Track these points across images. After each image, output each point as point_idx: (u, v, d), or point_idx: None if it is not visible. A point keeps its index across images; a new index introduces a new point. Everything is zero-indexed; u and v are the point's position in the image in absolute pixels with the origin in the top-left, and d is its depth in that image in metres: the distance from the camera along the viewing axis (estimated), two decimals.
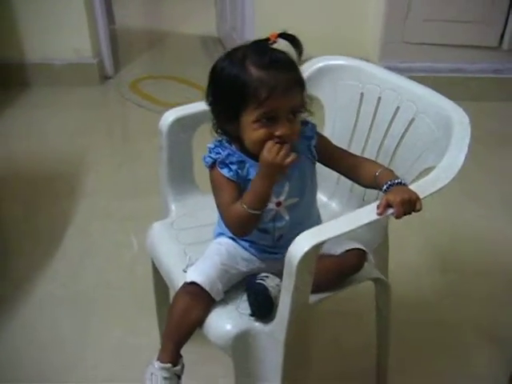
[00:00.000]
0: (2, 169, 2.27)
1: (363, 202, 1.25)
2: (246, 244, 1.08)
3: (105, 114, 2.95)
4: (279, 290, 0.96)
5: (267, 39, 0.97)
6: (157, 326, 1.41)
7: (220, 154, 1.00)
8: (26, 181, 2.24)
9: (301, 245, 0.84)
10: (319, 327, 1.54)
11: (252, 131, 0.95)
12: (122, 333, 1.51)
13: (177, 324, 1.01)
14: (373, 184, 1.01)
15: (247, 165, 1.01)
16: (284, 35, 0.97)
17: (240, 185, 1.01)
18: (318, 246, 0.85)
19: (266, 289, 0.97)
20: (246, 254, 1.08)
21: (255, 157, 0.98)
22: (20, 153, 2.46)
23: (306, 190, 1.05)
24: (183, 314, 1.00)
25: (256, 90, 0.92)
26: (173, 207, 1.28)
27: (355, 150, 1.25)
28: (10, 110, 2.85)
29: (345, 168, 1.08)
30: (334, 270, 1.02)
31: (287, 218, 1.04)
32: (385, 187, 0.95)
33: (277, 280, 0.99)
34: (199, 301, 1.00)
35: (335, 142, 1.24)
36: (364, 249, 1.04)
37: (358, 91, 1.24)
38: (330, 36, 2.79)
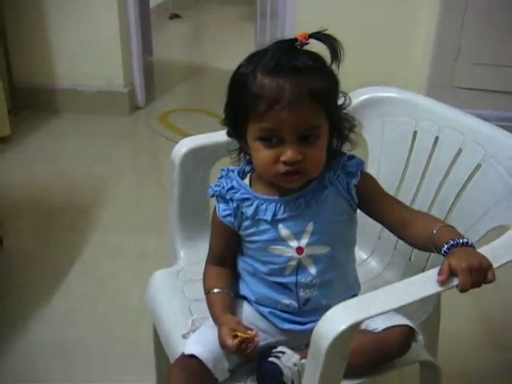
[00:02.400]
0: (19, 195, 2.15)
1: (409, 263, 1.04)
2: (266, 310, 0.86)
3: (131, 145, 2.82)
4: (298, 371, 0.76)
5: (294, 39, 0.77)
6: None
7: (222, 185, 0.84)
8: (40, 209, 2.10)
9: (334, 322, 0.62)
10: None
11: (255, 152, 0.78)
12: None
13: None
14: (428, 244, 0.77)
15: (256, 202, 0.82)
16: (317, 35, 0.77)
17: (235, 229, 0.86)
18: (357, 325, 0.63)
19: (279, 372, 0.76)
20: (264, 325, 0.86)
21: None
22: (39, 180, 2.33)
23: (340, 239, 0.85)
24: None
25: (256, 99, 0.73)
26: (181, 253, 1.08)
27: (403, 199, 1.04)
28: (36, 135, 2.75)
29: (393, 221, 0.85)
30: (373, 351, 0.79)
31: (313, 272, 0.82)
32: (445, 247, 0.72)
33: (296, 358, 0.78)
34: (198, 380, 0.79)
35: None
36: (412, 326, 0.81)
37: (411, 129, 1.04)
38: (371, 74, 2.62)
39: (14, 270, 1.76)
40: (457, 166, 0.96)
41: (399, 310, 0.85)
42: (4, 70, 2.78)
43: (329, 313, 0.64)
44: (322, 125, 0.77)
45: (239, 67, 0.79)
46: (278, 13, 2.96)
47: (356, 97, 1.10)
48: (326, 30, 0.78)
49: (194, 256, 1.07)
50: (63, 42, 2.90)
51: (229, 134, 0.85)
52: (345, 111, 0.83)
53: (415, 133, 1.03)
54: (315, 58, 0.77)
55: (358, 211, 0.87)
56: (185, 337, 0.86)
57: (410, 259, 1.04)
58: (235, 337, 0.76)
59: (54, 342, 1.45)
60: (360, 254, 1.12)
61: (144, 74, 3.19)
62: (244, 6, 5.48)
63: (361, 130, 1.06)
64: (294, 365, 0.77)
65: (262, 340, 0.84)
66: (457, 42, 2.60)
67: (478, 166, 0.92)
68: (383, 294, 0.67)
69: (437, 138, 1.00)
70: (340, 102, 0.82)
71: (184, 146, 1.05)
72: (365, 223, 0.92)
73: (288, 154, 0.74)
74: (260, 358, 0.80)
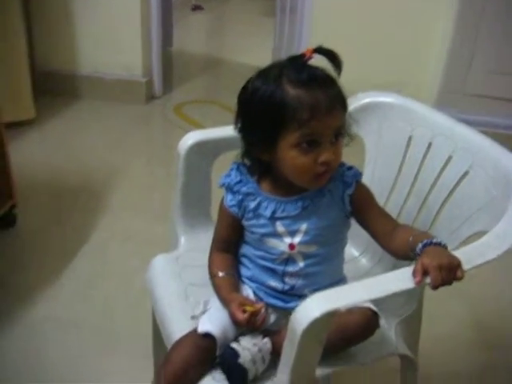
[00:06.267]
0: (36, 176, 2.22)
1: (397, 263, 1.08)
2: (254, 285, 0.94)
3: (145, 133, 2.89)
4: (259, 350, 0.82)
5: (302, 55, 0.85)
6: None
7: (232, 178, 0.92)
8: (55, 191, 2.18)
9: (310, 309, 0.68)
10: None
11: (291, 159, 0.84)
12: (116, 371, 1.37)
13: (174, 379, 0.84)
14: (407, 250, 0.82)
15: (259, 198, 0.90)
16: (321, 50, 0.85)
17: (239, 218, 0.93)
18: (331, 314, 0.69)
19: (234, 355, 0.82)
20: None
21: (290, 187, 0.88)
22: (57, 162, 2.41)
23: (329, 241, 0.91)
24: (185, 369, 0.84)
25: (296, 110, 0.81)
26: (182, 240, 1.14)
27: (395, 200, 1.09)
28: (56, 119, 2.83)
29: (377, 231, 0.92)
30: (335, 331, 0.82)
31: (301, 264, 0.90)
32: (420, 246, 0.78)
33: (258, 338, 0.84)
34: (207, 357, 0.85)
35: (374, 189, 1.09)
36: (375, 309, 0.86)
37: (407, 134, 1.08)
38: (384, 77, 2.65)
39: (25, 248, 1.83)
40: (446, 172, 1.00)
41: (383, 307, 0.90)
42: (27, 54, 2.86)
43: (306, 300, 0.69)
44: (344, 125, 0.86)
45: (257, 88, 0.85)
46: (296, 8, 3.00)
47: (357, 100, 1.15)
48: (320, 45, 0.86)
49: (193, 243, 1.13)
50: (86, 29, 2.97)
51: (252, 147, 0.89)
52: None
53: (410, 138, 1.08)
54: (323, 69, 0.85)
55: None
56: (193, 318, 0.92)
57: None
58: (244, 311, 0.83)
59: (59, 319, 1.52)
60: (352, 251, 1.17)
61: (163, 64, 3.26)
62: (265, 0, 5.53)
63: (358, 129, 1.12)
64: (254, 344, 0.83)
65: None
66: (471, 49, 2.62)
67: (466, 173, 0.96)
68: (359, 287, 0.72)
69: (430, 144, 1.04)
70: None
71: (190, 138, 1.11)
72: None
73: (327, 155, 0.83)
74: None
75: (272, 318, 0.92)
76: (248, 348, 0.83)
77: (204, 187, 1.14)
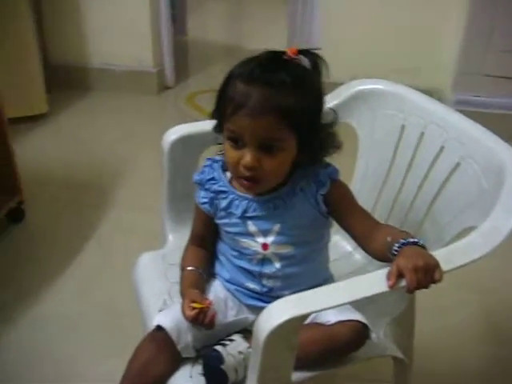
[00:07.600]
0: (44, 171, 2.23)
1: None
2: (232, 287, 0.92)
3: (156, 124, 2.85)
4: (244, 359, 0.79)
5: (282, 52, 0.80)
6: None
7: (204, 175, 0.90)
8: (63, 186, 2.18)
9: (273, 315, 0.64)
10: None
11: (225, 151, 0.82)
12: (113, 369, 1.35)
13: (135, 378, 0.85)
14: (385, 251, 0.76)
15: (230, 197, 0.87)
16: (305, 52, 0.81)
17: (212, 216, 0.91)
18: (299, 319, 0.65)
19: (219, 359, 0.79)
20: (232, 303, 0.91)
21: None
22: (67, 157, 2.41)
23: (305, 241, 0.87)
24: (144, 366, 0.84)
25: (228, 101, 0.78)
26: (170, 237, 1.12)
27: (389, 192, 1.04)
28: (68, 112, 2.84)
29: (356, 233, 0.87)
30: (323, 344, 0.80)
31: (278, 265, 0.87)
32: (396, 246, 0.73)
33: (243, 346, 0.81)
34: (165, 352, 0.83)
35: (367, 181, 1.05)
36: (365, 322, 0.82)
37: (399, 123, 1.03)
38: (398, 61, 2.57)
39: (32, 242, 1.84)
40: (438, 163, 0.94)
41: (371, 306, 0.86)
42: (39, 49, 2.86)
43: (270, 306, 0.66)
44: (287, 140, 0.79)
45: (229, 71, 0.83)
46: None
47: (348, 89, 1.10)
48: (318, 48, 0.82)
49: (181, 240, 1.09)
50: (96, 21, 2.96)
51: (214, 129, 0.89)
52: (330, 129, 0.85)
53: (403, 127, 1.03)
54: (297, 75, 0.79)
55: None
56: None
57: None
58: (193, 308, 0.81)
59: (62, 314, 1.52)
60: (346, 246, 1.13)
61: (175, 54, 3.22)
62: None
63: (351, 119, 1.07)
64: (240, 353, 0.80)
65: (233, 316, 0.89)
66: (489, 28, 2.51)
67: (457, 165, 0.90)
68: (326, 291, 0.68)
69: (422, 134, 0.99)
70: (324, 120, 0.84)
71: (173, 133, 1.09)
72: None
73: (246, 158, 0.79)
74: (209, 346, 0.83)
75: (251, 318, 0.89)
76: (233, 355, 0.81)
77: (190, 183, 1.10)
